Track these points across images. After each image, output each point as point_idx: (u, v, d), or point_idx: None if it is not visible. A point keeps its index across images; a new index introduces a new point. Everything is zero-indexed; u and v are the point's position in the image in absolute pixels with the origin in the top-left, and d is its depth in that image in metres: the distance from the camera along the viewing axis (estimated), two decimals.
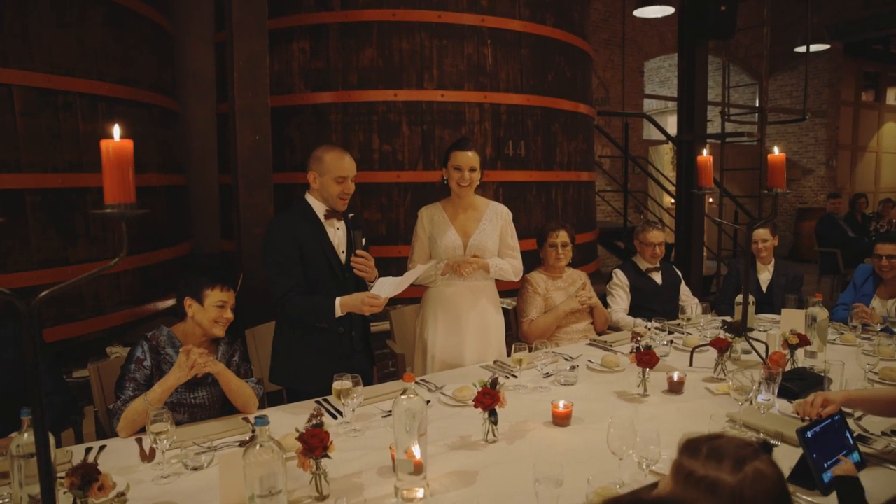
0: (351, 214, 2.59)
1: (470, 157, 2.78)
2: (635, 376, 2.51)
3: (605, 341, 3.22)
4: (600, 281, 4.30)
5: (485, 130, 4.14)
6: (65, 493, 1.47)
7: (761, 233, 3.99)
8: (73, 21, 3.16)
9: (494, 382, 2.04)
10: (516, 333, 3.50)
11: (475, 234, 2.82)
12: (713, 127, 9.08)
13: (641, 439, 1.72)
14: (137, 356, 2.15)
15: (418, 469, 1.66)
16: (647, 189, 8.98)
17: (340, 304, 2.37)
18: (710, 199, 8.29)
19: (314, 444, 1.60)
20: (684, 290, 3.95)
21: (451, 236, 2.81)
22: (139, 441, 1.98)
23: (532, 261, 3.56)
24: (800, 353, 2.84)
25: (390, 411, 2.20)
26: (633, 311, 3.75)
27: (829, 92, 11.08)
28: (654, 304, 3.74)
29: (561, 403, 2.19)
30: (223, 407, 2.29)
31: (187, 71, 4.70)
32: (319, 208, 2.51)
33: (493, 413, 2.01)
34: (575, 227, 4.73)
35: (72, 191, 3.14)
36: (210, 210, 4.62)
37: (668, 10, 6.20)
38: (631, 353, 2.52)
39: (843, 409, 2.21)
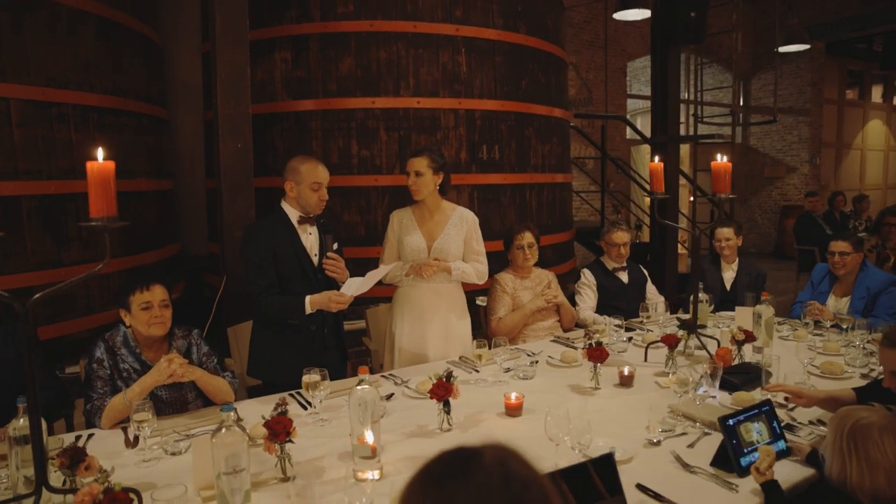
0: (322, 220, 2.77)
1: (414, 162, 2.95)
2: (590, 371, 2.70)
3: (568, 338, 3.41)
4: (576, 280, 4.49)
5: (459, 135, 4.32)
6: (55, 472, 1.66)
7: (724, 232, 4.17)
8: (66, 36, 3.33)
9: (449, 376, 2.23)
10: (487, 331, 3.69)
11: (439, 238, 3.00)
12: (695, 127, 9.26)
13: (575, 427, 1.91)
14: (97, 356, 2.30)
15: (372, 454, 1.85)
16: (630, 189, 9.18)
17: (310, 302, 2.56)
18: (692, 199, 8.48)
19: (278, 429, 1.79)
20: (650, 288, 4.14)
21: (417, 239, 3.00)
22: (124, 430, 2.18)
23: (505, 261, 3.75)
24: (750, 348, 3.03)
25: None
26: (601, 309, 3.93)
27: (811, 90, 11.26)
28: (620, 302, 3.92)
29: (513, 395, 2.38)
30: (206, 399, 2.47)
31: (176, 79, 4.87)
32: (293, 215, 2.70)
33: (446, 404, 2.20)
34: (550, 227, 4.94)
35: (65, 197, 3.32)
36: (198, 213, 4.80)
37: (647, 13, 6.36)
38: (583, 348, 2.72)
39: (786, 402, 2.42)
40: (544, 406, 2.45)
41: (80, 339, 3.40)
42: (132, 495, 1.50)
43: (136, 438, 2.06)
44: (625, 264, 4.03)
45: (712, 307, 3.64)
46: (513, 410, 2.36)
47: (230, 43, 3.33)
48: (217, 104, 3.35)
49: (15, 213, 3.13)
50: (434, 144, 4.15)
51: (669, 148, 5.63)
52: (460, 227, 3.05)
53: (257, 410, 2.33)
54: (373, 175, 4.21)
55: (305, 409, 2.42)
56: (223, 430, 1.57)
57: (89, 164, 1.55)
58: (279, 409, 1.86)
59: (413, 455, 2.02)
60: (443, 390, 2.17)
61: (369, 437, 1.80)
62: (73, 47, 3.35)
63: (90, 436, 2.19)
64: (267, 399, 2.58)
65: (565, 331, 3.70)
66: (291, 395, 2.55)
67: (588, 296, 3.95)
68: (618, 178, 9.02)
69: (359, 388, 1.84)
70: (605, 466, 1.67)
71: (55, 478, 1.71)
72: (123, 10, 3.68)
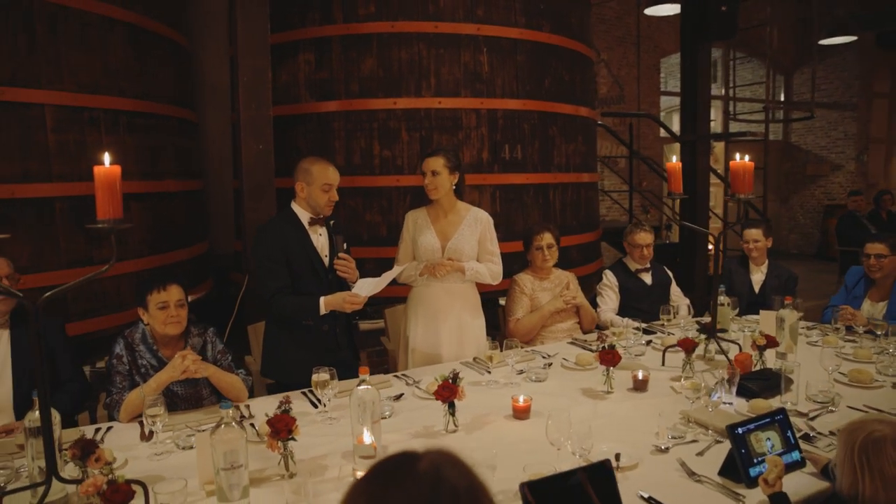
0: (332, 221, 2.81)
1: (430, 162, 2.97)
2: (603, 374, 2.66)
3: (585, 340, 3.37)
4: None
5: (481, 135, 4.32)
6: (66, 462, 1.73)
7: (753, 233, 4.06)
8: (97, 44, 3.45)
9: (455, 377, 2.23)
10: (505, 332, 3.67)
11: (453, 238, 3.01)
12: (725, 124, 8.99)
13: (576, 432, 1.89)
14: (117, 352, 2.40)
15: (374, 453, 1.87)
16: (662, 188, 8.99)
17: (324, 303, 2.60)
18: (727, 198, 8.25)
19: (280, 427, 1.83)
20: (675, 290, 4.06)
21: (431, 239, 3.01)
22: (141, 423, 2.25)
23: (527, 261, 3.73)
24: (774, 354, 2.94)
25: None
26: (622, 311, 3.88)
27: (859, 84, 10.82)
28: (642, 304, 3.85)
29: (521, 398, 2.37)
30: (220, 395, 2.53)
31: (206, 82, 4.99)
32: (304, 216, 2.75)
33: (451, 405, 2.21)
34: (574, 228, 4.89)
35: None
36: (226, 212, 4.92)
37: (678, 8, 6.23)
38: (595, 351, 2.68)
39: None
40: (553, 409, 2.44)
41: (112, 335, 3.52)
42: (136, 487, 1.56)
43: (151, 432, 2.13)
44: (648, 265, 3.96)
45: (736, 310, 3.55)
46: (520, 413, 2.35)
47: (251, 47, 3.40)
48: (239, 107, 3.43)
49: (49, 213, 3.27)
50: (450, 145, 4.17)
51: (700, 146, 5.49)
52: (474, 227, 3.05)
53: (270, 407, 2.38)
54: (394, 175, 4.24)
55: (316, 407, 2.46)
56: (222, 426, 1.61)
57: (96, 169, 1.61)
58: (282, 408, 1.90)
59: None
60: (447, 392, 2.17)
61: (367, 437, 1.82)
62: (104, 54, 3.48)
63: (109, 428, 2.28)
64: (280, 397, 2.63)
65: (585, 333, 3.66)
66: (304, 393, 2.60)
67: (609, 297, 3.90)
68: (650, 178, 8.85)
69: (359, 388, 1.87)
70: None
71: (70, 468, 1.79)
72: (152, 17, 3.80)
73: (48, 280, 3.23)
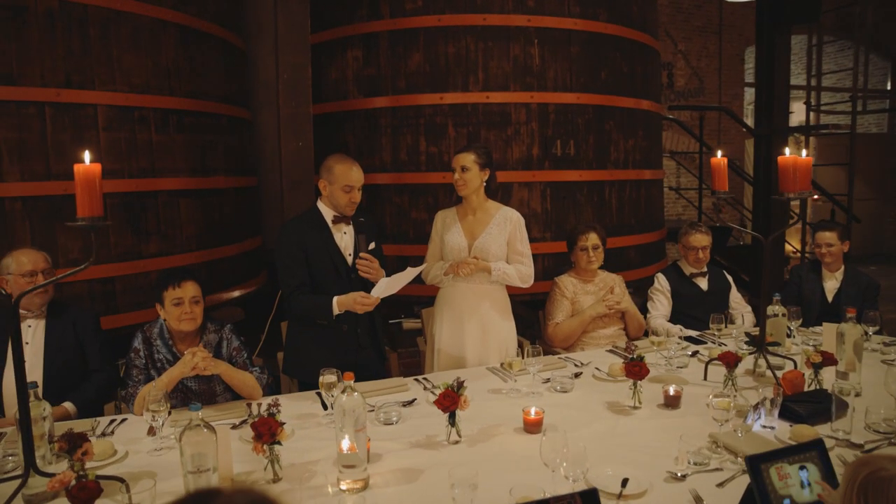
0: (361, 219, 2.75)
1: (460, 158, 2.87)
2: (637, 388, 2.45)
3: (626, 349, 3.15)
4: None
5: (531, 130, 4.15)
6: (54, 454, 1.78)
7: (826, 236, 3.66)
8: (149, 45, 3.59)
9: (459, 385, 2.12)
10: (544, 336, 3.51)
11: (481, 237, 2.90)
12: (808, 115, 8.21)
13: (571, 453, 1.73)
14: (135, 346, 2.46)
15: (358, 463, 1.80)
16: (742, 187, 8.35)
17: (337, 303, 2.56)
18: (816, 196, 7.53)
19: (263, 431, 1.80)
20: (735, 297, 3.74)
21: (458, 238, 2.92)
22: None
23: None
24: (834, 373, 2.62)
25: (372, 407, 2.37)
26: (675, 317, 3.61)
27: None
28: (696, 310, 3.57)
29: (532, 410, 2.22)
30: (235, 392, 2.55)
31: (260, 81, 5.09)
32: (328, 214, 2.71)
33: (452, 415, 2.10)
34: (633, 227, 4.63)
35: (145, 194, 3.59)
36: (278, 208, 5.01)
37: None
38: (623, 363, 2.49)
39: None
40: (568, 423, 2.28)
41: None
42: (106, 485, 1.57)
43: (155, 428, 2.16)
44: (704, 269, 3.67)
45: (799, 321, 3.21)
46: (531, 427, 2.21)
47: (291, 44, 3.43)
48: (279, 104, 3.46)
49: None
50: (499, 141, 4.04)
51: (775, 140, 5.03)
52: (503, 226, 2.93)
53: (287, 407, 2.33)
54: (441, 172, 4.15)
55: (325, 408, 2.42)
56: (191, 428, 1.60)
57: (76, 167, 1.63)
58: (269, 411, 1.87)
59: (409, 467, 1.95)
60: (448, 401, 2.07)
61: (345, 445, 1.75)
62: (155, 55, 3.61)
63: (123, 420, 2.34)
64: (297, 396, 2.63)
65: (633, 340, 3.43)
66: (318, 393, 2.57)
67: (661, 302, 3.64)
68: (729, 174, 8.24)
69: (342, 395, 1.80)
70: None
71: (64, 463, 1.83)
72: (204, 18, 3.90)
73: (98, 273, 3.40)
